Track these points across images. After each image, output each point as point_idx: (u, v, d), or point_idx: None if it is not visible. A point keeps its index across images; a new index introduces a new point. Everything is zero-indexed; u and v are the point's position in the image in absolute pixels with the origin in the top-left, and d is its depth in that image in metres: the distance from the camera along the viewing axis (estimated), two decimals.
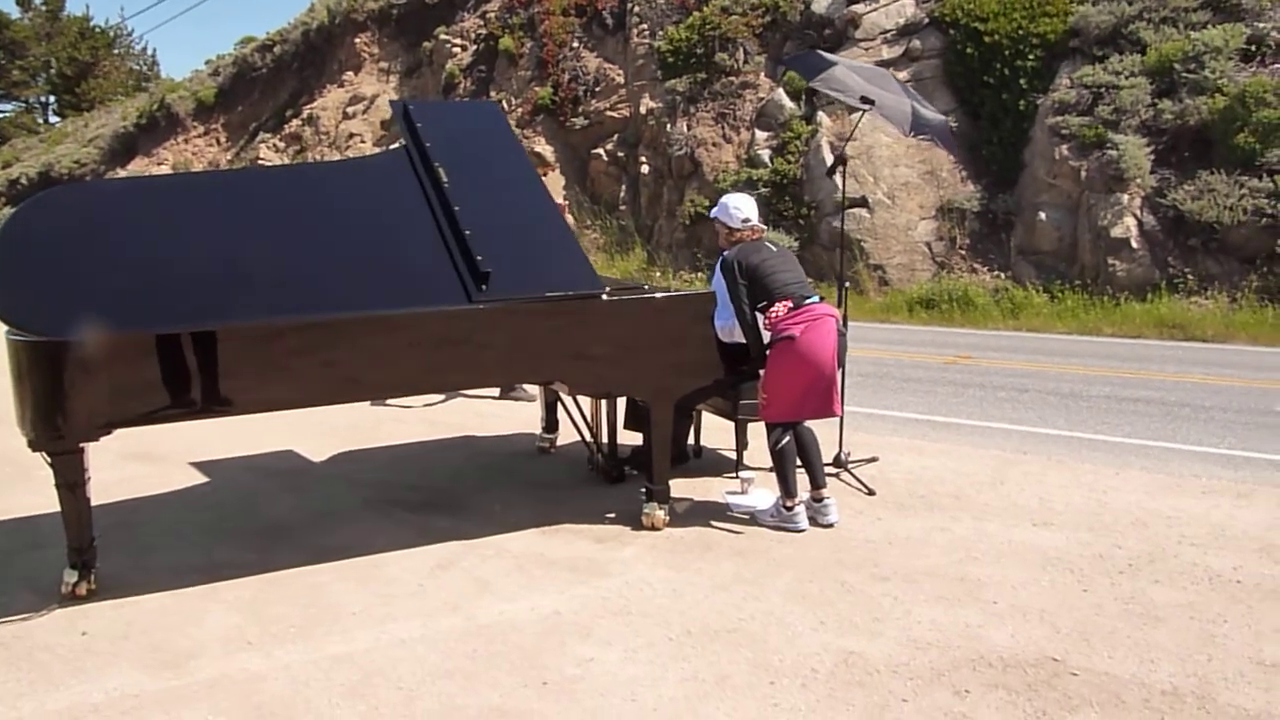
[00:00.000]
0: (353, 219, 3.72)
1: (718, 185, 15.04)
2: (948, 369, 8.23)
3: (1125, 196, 11.94)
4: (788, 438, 4.00)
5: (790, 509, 4.04)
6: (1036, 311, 11.83)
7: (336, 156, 20.34)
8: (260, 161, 21.23)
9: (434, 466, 5.15)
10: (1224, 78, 11.85)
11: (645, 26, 17.24)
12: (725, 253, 4.11)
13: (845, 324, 4.87)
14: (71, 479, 3.34)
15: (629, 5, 17.69)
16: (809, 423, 4.10)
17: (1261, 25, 12.23)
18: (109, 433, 3.25)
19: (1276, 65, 11.86)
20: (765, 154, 15.00)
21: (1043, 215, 12.62)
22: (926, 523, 4.11)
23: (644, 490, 4.08)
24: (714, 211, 4.24)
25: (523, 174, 4.15)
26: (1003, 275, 12.83)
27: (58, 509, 4.44)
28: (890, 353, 9.02)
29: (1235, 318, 10.63)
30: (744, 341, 4.10)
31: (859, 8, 15.07)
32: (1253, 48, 12.10)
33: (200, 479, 4.95)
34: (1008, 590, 3.41)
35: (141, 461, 5.14)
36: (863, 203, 16.20)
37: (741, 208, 4.12)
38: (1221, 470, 4.96)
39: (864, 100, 4.21)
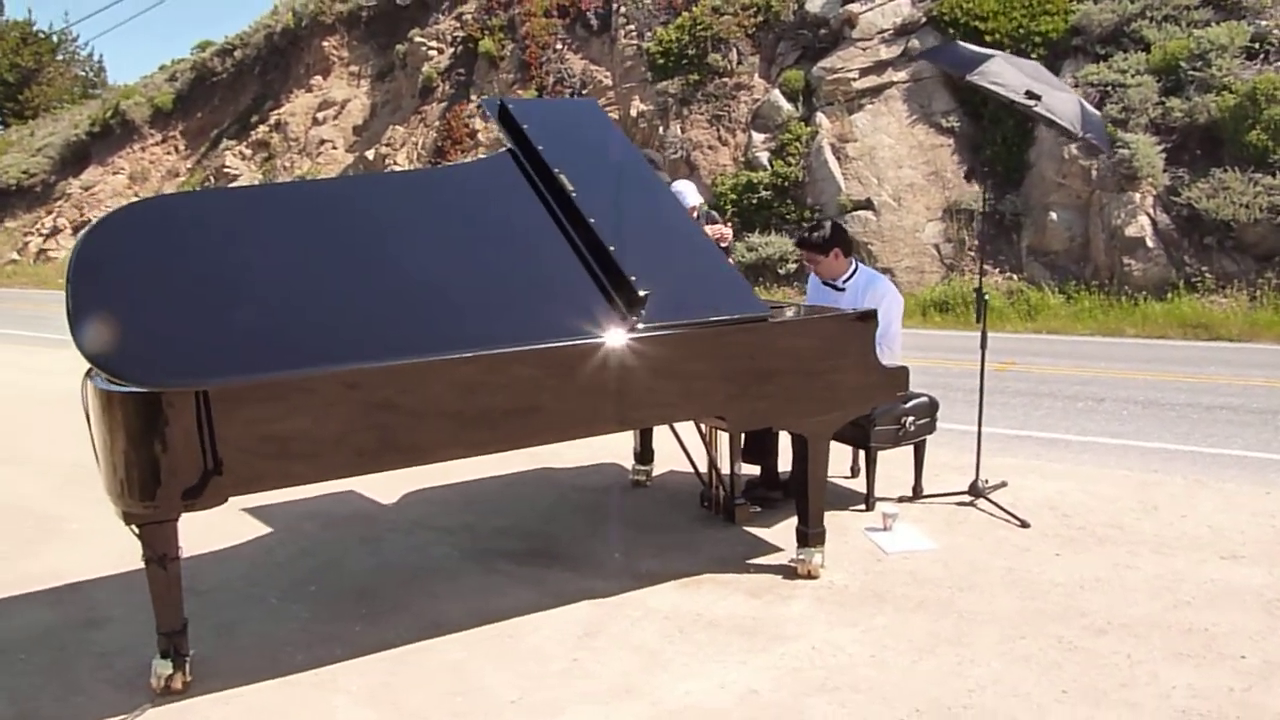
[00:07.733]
0: (474, 235, 3.21)
1: (716, 189, 14.66)
2: (1004, 377, 7.91)
3: (1138, 195, 11.81)
4: None
5: None
6: (1054, 313, 11.63)
7: (307, 164, 19.51)
8: (226, 170, 20.29)
9: (519, 506, 4.62)
10: (1231, 75, 11.80)
11: (632, 27, 16.80)
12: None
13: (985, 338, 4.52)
14: (163, 551, 2.78)
15: (614, 6, 17.23)
16: None
17: (1264, 23, 12.21)
18: (221, 501, 2.70)
19: None
20: (764, 156, 14.65)
21: (1053, 215, 12.44)
22: (1106, 559, 3.71)
23: (798, 534, 3.63)
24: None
25: (647, 180, 3.67)
26: (1015, 277, 12.63)
27: (103, 572, 3.91)
28: (933, 360, 8.67)
29: (1257, 316, 10.53)
30: (896, 365, 3.76)
31: (855, 7, 14.80)
32: (1256, 45, 12.08)
33: (258, 530, 4.36)
34: (1248, 642, 3.03)
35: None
36: (867, 205, 15.73)
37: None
38: None
39: (1029, 95, 3.82)
